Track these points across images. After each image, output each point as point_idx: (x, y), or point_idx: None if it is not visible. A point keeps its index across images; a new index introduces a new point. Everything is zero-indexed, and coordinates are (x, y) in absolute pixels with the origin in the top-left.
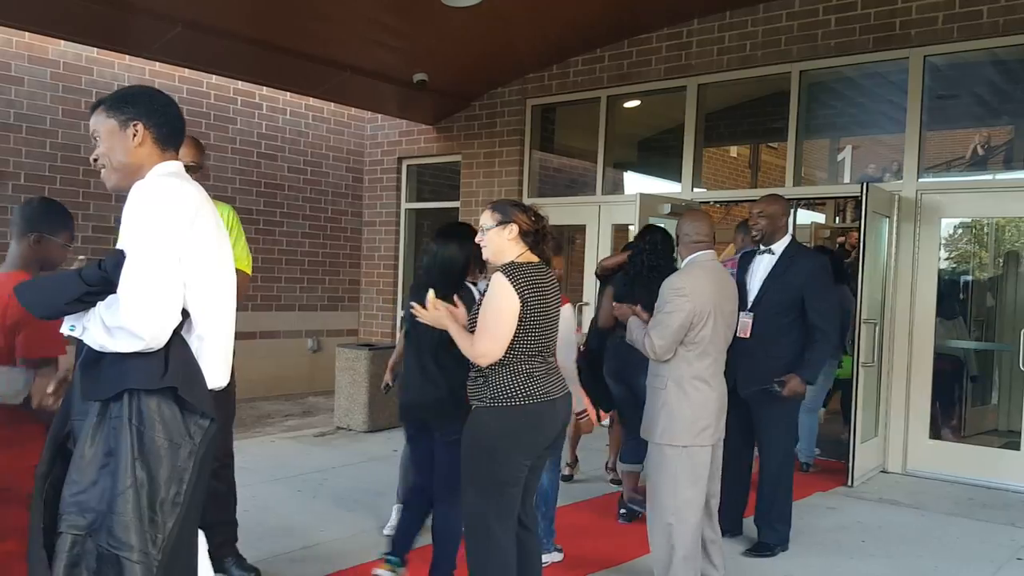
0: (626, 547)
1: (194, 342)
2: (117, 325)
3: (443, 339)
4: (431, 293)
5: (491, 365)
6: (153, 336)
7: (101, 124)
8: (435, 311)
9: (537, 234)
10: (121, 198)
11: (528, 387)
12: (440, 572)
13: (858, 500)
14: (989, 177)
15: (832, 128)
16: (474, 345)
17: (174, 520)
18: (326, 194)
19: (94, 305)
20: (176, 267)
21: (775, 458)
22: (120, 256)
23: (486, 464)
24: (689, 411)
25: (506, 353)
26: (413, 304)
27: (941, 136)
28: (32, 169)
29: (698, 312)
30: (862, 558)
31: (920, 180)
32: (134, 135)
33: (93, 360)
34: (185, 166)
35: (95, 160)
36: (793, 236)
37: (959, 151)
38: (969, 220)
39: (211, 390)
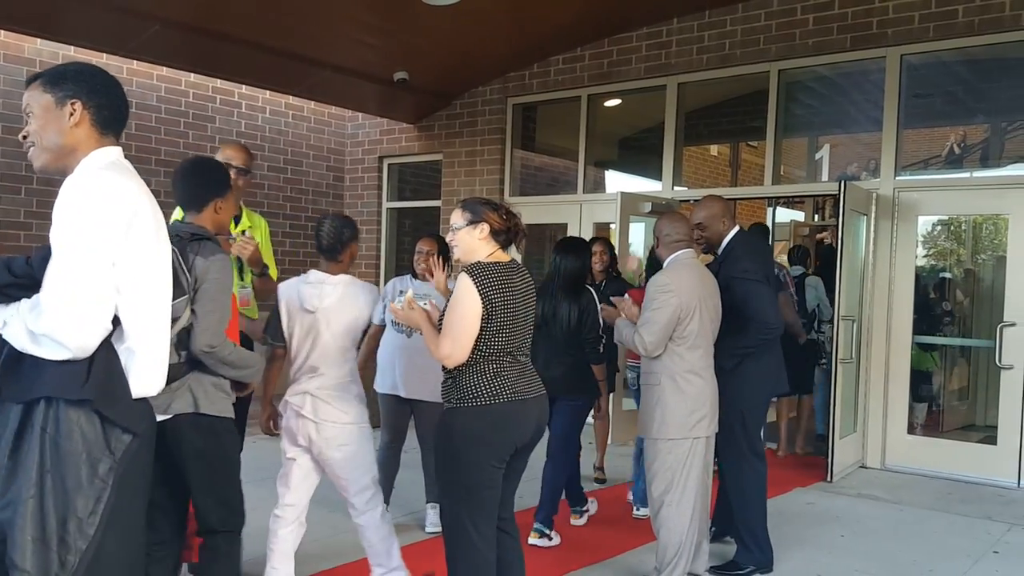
0: (613, 542)
1: (123, 353)
2: (42, 332)
3: (571, 328)
4: (409, 293)
5: (459, 366)
6: (80, 346)
7: (36, 99)
8: (410, 312)
9: (509, 232)
10: None
11: (495, 386)
12: (543, 513)
13: (837, 495)
14: (966, 175)
15: (810, 127)
16: (438, 348)
17: (89, 542)
18: (307, 193)
19: (16, 299)
20: (108, 273)
21: (731, 472)
22: (48, 252)
23: (454, 467)
24: (684, 405)
25: (473, 353)
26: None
27: (918, 134)
28: (8, 169)
29: (684, 306)
30: (841, 553)
31: (897, 178)
32: (71, 114)
33: (15, 358)
34: (237, 169)
35: (24, 137)
36: (738, 231)
37: (936, 149)
38: (946, 217)
39: (140, 400)
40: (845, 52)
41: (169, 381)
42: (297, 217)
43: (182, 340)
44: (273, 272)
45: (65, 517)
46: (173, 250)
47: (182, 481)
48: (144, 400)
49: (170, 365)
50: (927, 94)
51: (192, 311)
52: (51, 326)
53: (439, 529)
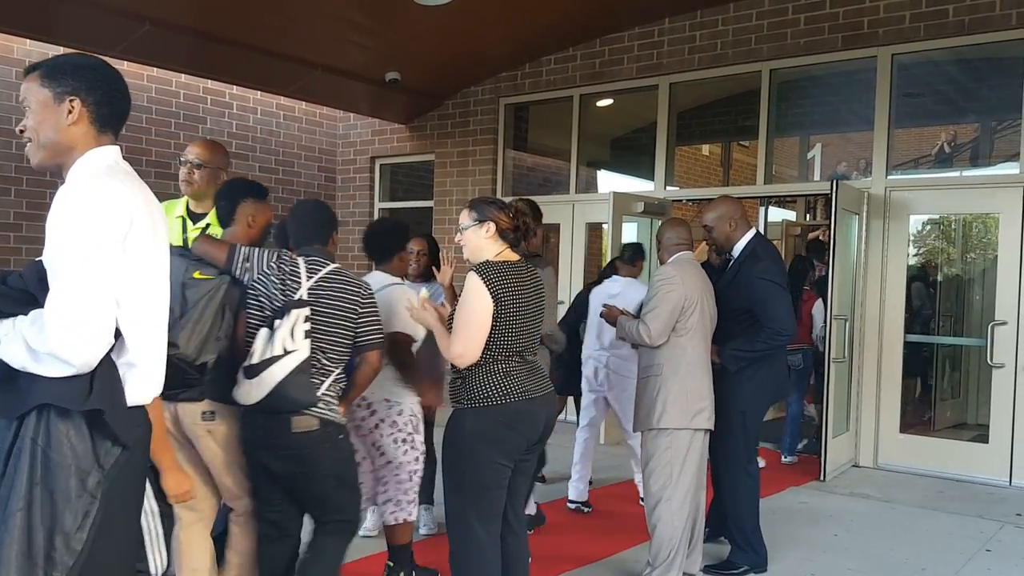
0: (600, 544)
1: (123, 366)
2: (46, 351)
3: None
4: (423, 292)
5: (469, 366)
6: (85, 363)
7: (33, 93)
8: (423, 312)
9: (517, 231)
10: None
11: (505, 386)
12: None
13: (830, 494)
14: (956, 174)
15: (802, 126)
16: (450, 347)
17: (76, 558)
18: (298, 194)
19: (9, 315)
20: (108, 287)
21: (726, 473)
22: (40, 267)
23: (464, 466)
24: (685, 396)
25: (483, 353)
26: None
27: (909, 134)
28: None
29: (688, 297)
30: (835, 552)
31: (888, 177)
32: (69, 112)
33: (7, 377)
34: (190, 163)
35: (21, 131)
36: (756, 234)
37: (926, 148)
38: (937, 216)
39: (136, 407)
40: (836, 52)
41: None
42: None
43: None
44: None
45: (52, 532)
46: None
47: None
48: (141, 408)
49: None
50: (918, 93)
51: None
52: (55, 345)
53: (431, 530)
